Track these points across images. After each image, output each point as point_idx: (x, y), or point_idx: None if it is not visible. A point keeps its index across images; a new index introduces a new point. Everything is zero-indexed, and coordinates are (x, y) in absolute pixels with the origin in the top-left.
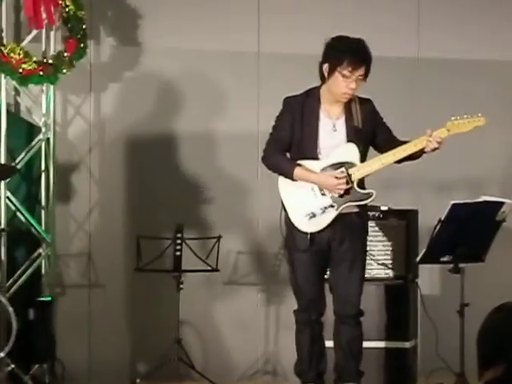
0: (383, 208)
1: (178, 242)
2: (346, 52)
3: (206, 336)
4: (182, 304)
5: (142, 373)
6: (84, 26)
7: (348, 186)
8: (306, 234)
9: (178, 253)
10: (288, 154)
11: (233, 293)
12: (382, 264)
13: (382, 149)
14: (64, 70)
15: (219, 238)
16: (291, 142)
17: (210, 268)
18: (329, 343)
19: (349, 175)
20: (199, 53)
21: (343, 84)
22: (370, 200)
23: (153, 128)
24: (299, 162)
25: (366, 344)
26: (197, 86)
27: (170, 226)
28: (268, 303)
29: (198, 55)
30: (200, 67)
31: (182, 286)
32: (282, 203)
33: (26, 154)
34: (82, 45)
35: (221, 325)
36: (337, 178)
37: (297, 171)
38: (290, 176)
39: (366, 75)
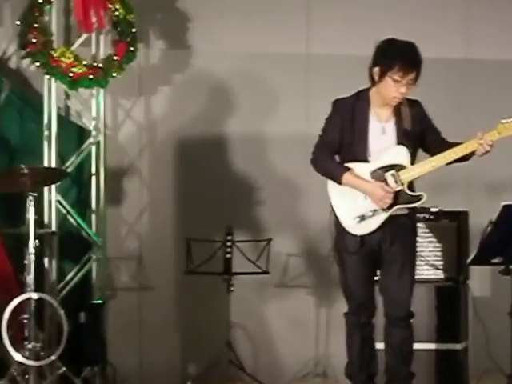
0: (434, 209)
1: (228, 244)
2: (397, 57)
3: (256, 338)
4: (232, 306)
5: (192, 375)
6: (134, 30)
7: (395, 190)
8: (356, 236)
9: (228, 255)
10: (337, 157)
11: (283, 295)
12: (433, 266)
13: (431, 151)
14: (114, 74)
15: (269, 240)
16: (340, 144)
17: (260, 270)
18: (380, 345)
19: (397, 191)
20: (248, 54)
21: (393, 88)
22: (420, 203)
23: (203, 130)
24: (349, 164)
25: (416, 346)
26: (246, 88)
27: (220, 229)
28: (318, 305)
29: (247, 57)
30: (249, 69)
31: (232, 288)
32: (331, 205)
33: (76, 158)
34: (131, 48)
35: (271, 327)
36: (385, 190)
37: (345, 177)
38: (338, 181)
39: (416, 79)
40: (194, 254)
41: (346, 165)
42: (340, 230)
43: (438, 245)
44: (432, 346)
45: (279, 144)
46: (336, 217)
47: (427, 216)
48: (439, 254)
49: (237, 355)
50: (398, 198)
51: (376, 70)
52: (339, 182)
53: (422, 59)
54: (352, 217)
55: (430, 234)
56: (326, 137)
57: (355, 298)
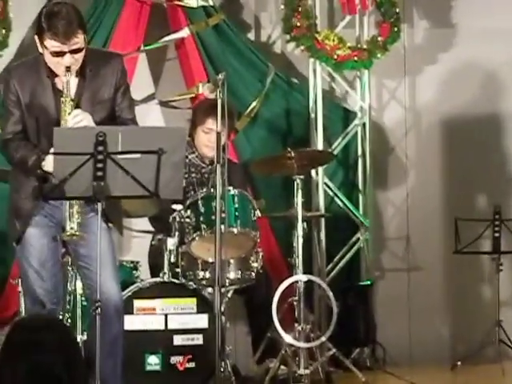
0: None
1: (497, 223)
2: None
3: None
4: (501, 285)
5: (462, 355)
6: (397, 10)
7: None
8: None
9: (496, 234)
10: None
11: None
12: None
13: None
14: (378, 55)
15: None
16: None
17: None
18: None
19: None
20: None
21: None
22: None
23: (469, 110)
24: None
25: None
26: None
27: (488, 208)
28: None
29: None
30: None
31: (501, 267)
32: None
33: (342, 140)
34: (395, 28)
35: None
36: None
37: None
38: None
39: None
40: (461, 234)
41: None
42: None
43: None
44: None
45: None
46: None
47: None
48: None
49: (507, 335)
50: None
51: None
52: None
53: None
54: None
55: None
56: None
57: None
